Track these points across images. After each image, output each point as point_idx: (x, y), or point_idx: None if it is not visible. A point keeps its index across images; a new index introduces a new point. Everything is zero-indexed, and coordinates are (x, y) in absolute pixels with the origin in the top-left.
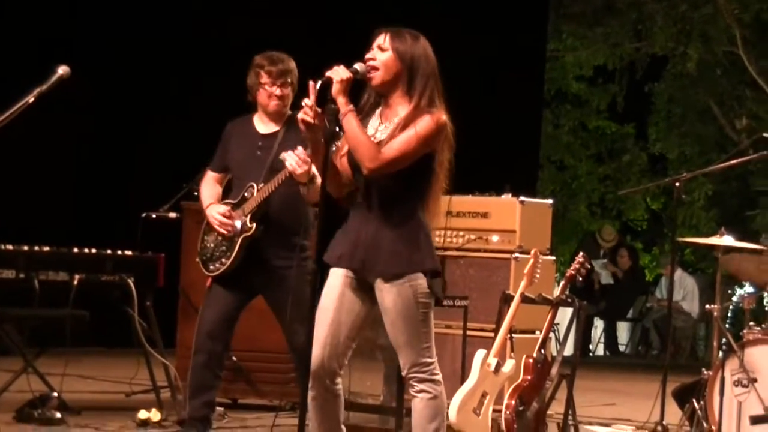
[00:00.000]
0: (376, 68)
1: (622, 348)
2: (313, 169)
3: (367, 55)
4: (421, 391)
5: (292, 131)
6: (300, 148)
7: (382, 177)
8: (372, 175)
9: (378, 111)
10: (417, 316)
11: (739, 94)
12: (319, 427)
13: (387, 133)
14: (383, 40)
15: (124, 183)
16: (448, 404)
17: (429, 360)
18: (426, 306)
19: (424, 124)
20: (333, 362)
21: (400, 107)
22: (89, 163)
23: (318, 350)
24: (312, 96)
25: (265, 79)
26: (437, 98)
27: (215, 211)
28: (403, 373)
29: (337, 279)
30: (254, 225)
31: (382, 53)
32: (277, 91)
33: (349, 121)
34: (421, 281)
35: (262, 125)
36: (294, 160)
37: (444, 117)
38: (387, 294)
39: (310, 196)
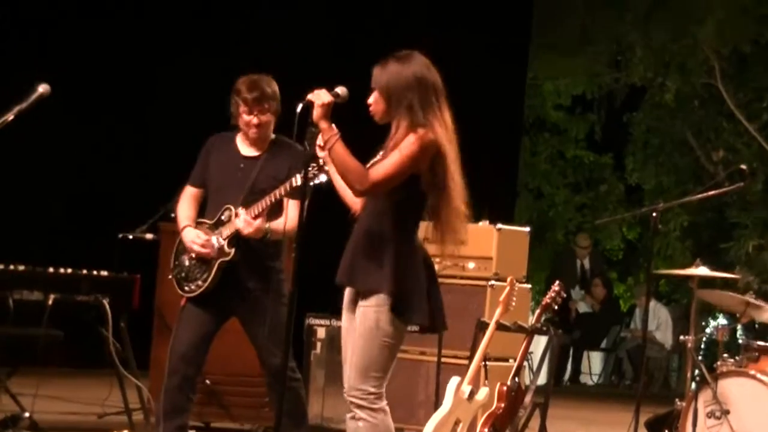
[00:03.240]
0: (372, 111)
1: (595, 378)
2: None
3: (369, 101)
4: (360, 419)
5: (274, 156)
6: (243, 211)
7: (372, 197)
8: (362, 197)
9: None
10: (375, 342)
11: (717, 126)
12: None
13: (377, 158)
14: (373, 79)
15: (101, 203)
16: (421, 431)
17: (372, 389)
18: (389, 336)
19: (407, 144)
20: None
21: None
22: (66, 182)
23: (344, 373)
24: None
25: (242, 107)
26: (423, 113)
27: (192, 238)
28: (344, 393)
29: (345, 305)
30: (233, 250)
31: (372, 94)
32: (254, 120)
33: (337, 148)
34: (384, 308)
35: (245, 146)
36: (243, 222)
37: (429, 135)
38: (358, 313)
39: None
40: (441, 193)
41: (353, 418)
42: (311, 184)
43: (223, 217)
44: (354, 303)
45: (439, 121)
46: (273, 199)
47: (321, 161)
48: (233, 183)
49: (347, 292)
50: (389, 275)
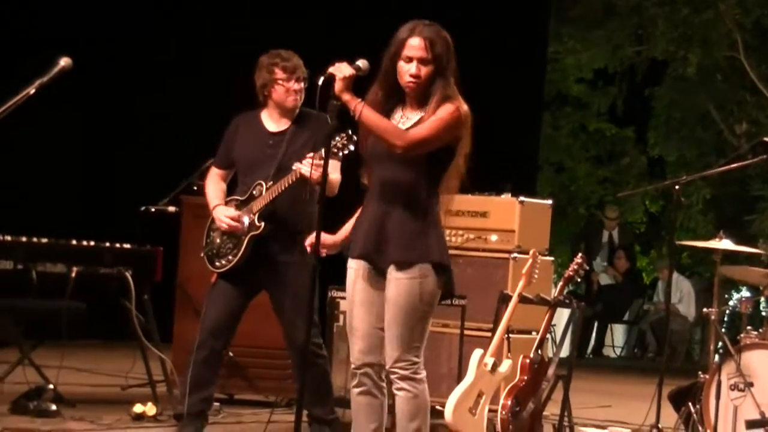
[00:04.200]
0: (417, 83)
1: (618, 351)
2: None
3: (411, 72)
4: (402, 389)
5: (301, 128)
6: (309, 154)
7: (398, 166)
8: (404, 155)
9: (400, 107)
10: (417, 313)
11: (739, 99)
12: (365, 423)
13: (410, 123)
14: (425, 51)
15: (123, 176)
16: (444, 404)
17: (415, 359)
18: (429, 305)
19: (446, 110)
20: (369, 356)
21: (425, 99)
22: (89, 155)
23: (356, 346)
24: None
25: (280, 74)
26: (455, 91)
27: (222, 214)
28: (387, 366)
29: (351, 273)
30: (263, 224)
31: (425, 67)
32: (295, 86)
33: (366, 113)
34: (429, 278)
35: (272, 122)
36: (308, 166)
37: (465, 107)
38: (394, 285)
39: (328, 192)
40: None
41: (399, 391)
42: (341, 154)
43: (254, 192)
44: (376, 275)
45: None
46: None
47: (349, 131)
48: (263, 160)
49: (361, 265)
50: (434, 244)
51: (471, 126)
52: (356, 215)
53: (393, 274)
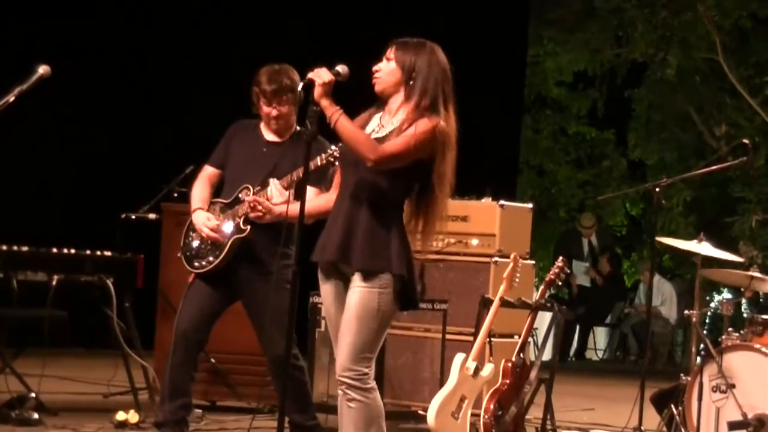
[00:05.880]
0: (377, 77)
1: (600, 354)
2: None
3: (375, 66)
4: (352, 399)
5: (298, 146)
6: (275, 181)
7: (371, 172)
8: (375, 168)
9: (378, 115)
10: (373, 324)
11: (719, 101)
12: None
13: (386, 132)
14: (390, 51)
15: (103, 183)
16: (426, 408)
17: (365, 369)
18: (389, 318)
19: (421, 126)
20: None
21: (401, 111)
22: (69, 163)
23: (336, 357)
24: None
25: (261, 99)
26: (443, 104)
27: (202, 222)
28: (337, 374)
29: (323, 282)
30: (248, 227)
31: (387, 63)
32: (274, 112)
33: (342, 122)
34: (389, 290)
35: (269, 133)
36: (276, 189)
37: (443, 124)
38: (355, 293)
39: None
40: (433, 193)
41: (349, 402)
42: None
43: (240, 195)
44: (342, 280)
45: (448, 121)
46: (297, 177)
47: (334, 150)
48: (255, 165)
49: (327, 270)
50: (396, 256)
51: (454, 142)
52: (317, 200)
53: (356, 282)
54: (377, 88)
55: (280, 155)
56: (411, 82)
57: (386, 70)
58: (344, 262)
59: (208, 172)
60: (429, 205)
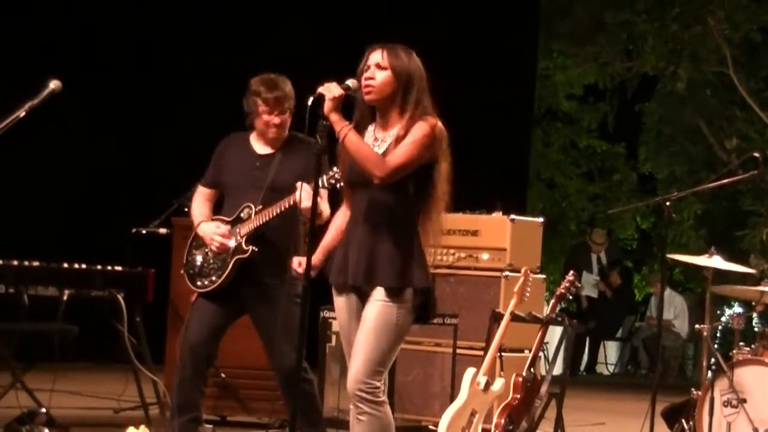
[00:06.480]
0: (373, 86)
1: (611, 368)
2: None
3: (366, 74)
4: (364, 413)
5: (290, 153)
6: (306, 186)
7: (381, 190)
8: (383, 184)
9: (371, 127)
10: (391, 339)
11: (729, 114)
12: None
13: (385, 146)
14: (381, 57)
15: (114, 198)
16: (437, 423)
17: (376, 383)
18: (403, 331)
19: (420, 129)
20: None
21: (396, 121)
22: (79, 178)
23: (349, 370)
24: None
25: (262, 107)
26: (430, 110)
27: (212, 231)
28: (348, 386)
29: (339, 299)
30: (250, 248)
31: (380, 72)
32: (275, 120)
33: (351, 137)
34: (408, 305)
35: (260, 145)
36: (306, 197)
37: (440, 123)
38: (374, 305)
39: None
40: (431, 198)
41: (361, 416)
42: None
43: (242, 215)
44: (356, 294)
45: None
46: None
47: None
48: (250, 182)
49: (352, 300)
50: (418, 271)
51: (447, 143)
52: (329, 234)
53: (376, 296)
54: (370, 97)
55: (275, 168)
56: (407, 93)
57: (382, 80)
58: (368, 285)
59: (203, 191)
60: (429, 202)
